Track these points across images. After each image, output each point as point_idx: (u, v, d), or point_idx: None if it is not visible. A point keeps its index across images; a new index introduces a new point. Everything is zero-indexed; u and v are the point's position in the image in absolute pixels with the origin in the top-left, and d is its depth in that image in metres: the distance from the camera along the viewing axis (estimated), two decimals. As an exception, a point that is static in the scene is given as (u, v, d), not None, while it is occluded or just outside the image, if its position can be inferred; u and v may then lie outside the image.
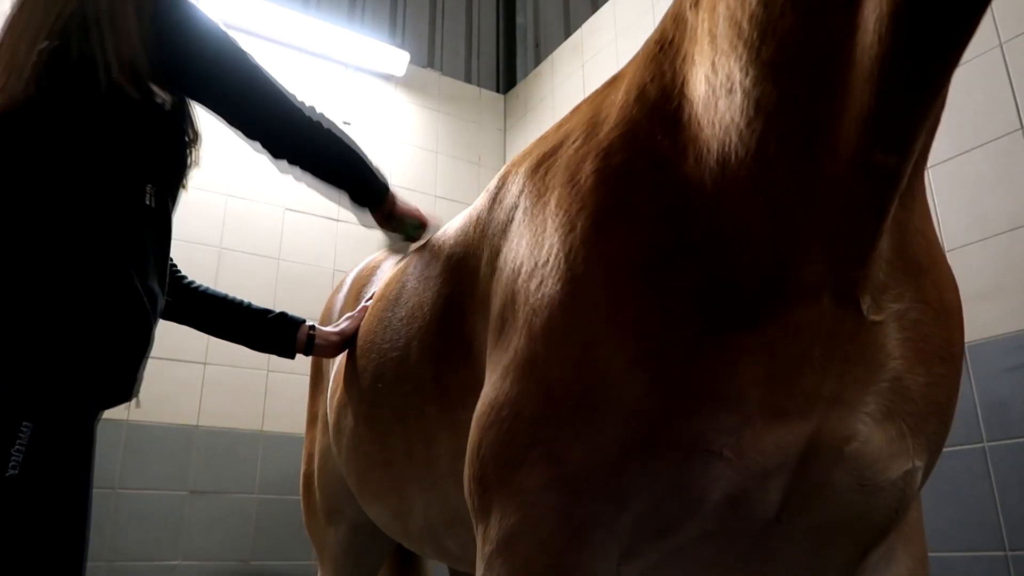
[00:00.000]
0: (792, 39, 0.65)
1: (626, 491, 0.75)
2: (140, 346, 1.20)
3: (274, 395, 3.02)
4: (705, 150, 0.73)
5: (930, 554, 1.74)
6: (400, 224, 1.53)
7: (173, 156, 1.31)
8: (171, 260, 1.43)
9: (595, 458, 0.75)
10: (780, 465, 0.75)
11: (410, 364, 1.22)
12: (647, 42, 0.88)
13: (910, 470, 0.80)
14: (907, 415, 0.78)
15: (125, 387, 1.21)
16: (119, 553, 2.52)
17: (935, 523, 1.77)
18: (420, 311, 1.21)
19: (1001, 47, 1.89)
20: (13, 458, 0.99)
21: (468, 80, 4.16)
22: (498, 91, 4.25)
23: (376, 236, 1.64)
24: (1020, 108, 1.83)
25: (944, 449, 1.76)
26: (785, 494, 0.77)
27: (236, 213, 3.17)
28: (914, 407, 0.78)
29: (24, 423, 1.01)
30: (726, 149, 0.71)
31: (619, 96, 0.87)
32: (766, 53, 0.66)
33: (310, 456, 1.87)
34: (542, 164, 0.95)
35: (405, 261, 1.45)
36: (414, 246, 1.52)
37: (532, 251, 0.87)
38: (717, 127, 0.72)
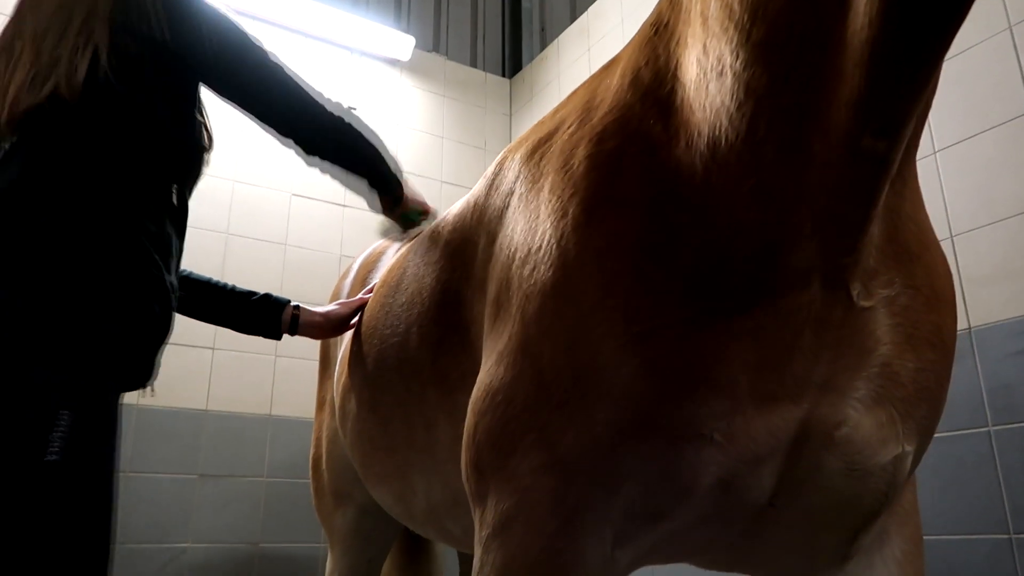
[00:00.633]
0: (783, 21, 0.64)
1: (618, 475, 0.76)
2: (162, 337, 1.24)
3: (282, 380, 3.04)
4: (696, 134, 0.73)
5: (935, 537, 1.75)
6: (405, 211, 1.55)
7: (194, 157, 1.35)
8: None
9: (587, 442, 0.76)
10: (772, 450, 0.75)
11: (410, 349, 1.23)
12: (643, 25, 0.88)
13: (900, 455, 0.80)
14: (897, 400, 0.78)
15: (145, 374, 1.25)
16: (130, 535, 2.56)
17: (940, 507, 1.77)
18: (420, 297, 1.22)
19: (1010, 29, 1.86)
20: (53, 444, 1.02)
21: (474, 65, 4.14)
22: (504, 76, 4.23)
23: (380, 221, 1.65)
24: (1029, 90, 1.81)
25: (949, 433, 1.78)
26: (778, 479, 0.77)
27: (243, 199, 3.18)
28: (904, 392, 0.78)
29: (62, 410, 1.04)
30: (716, 133, 0.71)
31: (614, 80, 0.86)
32: (756, 35, 0.66)
33: (319, 440, 1.90)
34: (537, 149, 0.95)
35: (407, 247, 1.46)
36: (414, 231, 1.53)
37: (526, 237, 0.87)
38: (708, 110, 0.71)
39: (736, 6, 0.67)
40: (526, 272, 0.84)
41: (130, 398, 1.38)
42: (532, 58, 4.08)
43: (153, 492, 2.69)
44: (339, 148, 1.42)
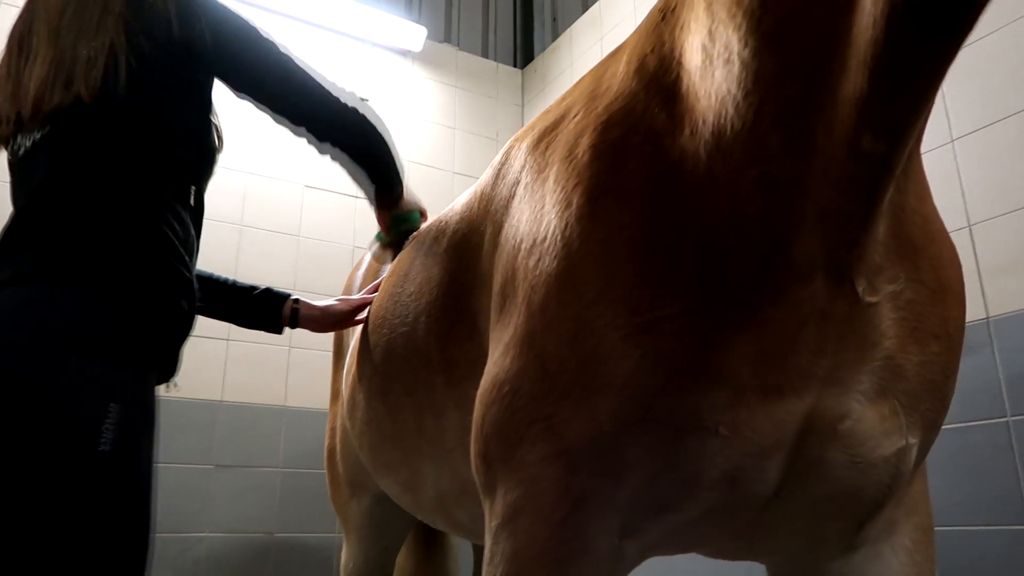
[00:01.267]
0: (793, 10, 0.63)
1: (623, 465, 0.76)
2: (187, 331, 1.28)
3: (296, 370, 3.06)
4: (700, 122, 0.72)
5: (952, 528, 1.74)
6: (400, 212, 1.56)
7: (208, 157, 1.37)
8: None
9: (592, 433, 0.75)
10: (777, 443, 0.74)
11: (418, 339, 1.23)
12: (651, 11, 0.87)
13: (903, 447, 0.79)
14: (900, 393, 0.77)
15: (171, 368, 1.30)
16: (148, 525, 2.59)
17: (958, 498, 1.76)
18: (427, 286, 1.23)
19: (1030, 13, 1.83)
20: (104, 435, 1.05)
21: (485, 55, 4.13)
22: (516, 66, 4.21)
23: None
24: (1049, 75, 1.78)
25: (967, 423, 1.76)
26: (783, 472, 0.77)
27: (256, 191, 3.20)
28: (907, 385, 0.77)
29: (111, 403, 1.07)
30: (721, 121, 0.70)
31: (620, 68, 0.86)
32: (767, 23, 0.64)
33: (333, 430, 1.91)
34: (543, 138, 0.95)
35: (417, 238, 1.46)
36: (409, 240, 1.52)
37: (531, 227, 0.87)
38: (713, 98, 0.70)
39: None
40: (531, 263, 0.83)
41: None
42: (544, 48, 4.06)
43: (169, 482, 2.72)
44: (350, 136, 1.43)
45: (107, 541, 1.06)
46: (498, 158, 1.12)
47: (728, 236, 0.71)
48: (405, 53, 3.79)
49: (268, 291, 1.63)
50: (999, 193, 1.83)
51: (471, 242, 1.11)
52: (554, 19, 4.10)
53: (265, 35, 1.34)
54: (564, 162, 0.84)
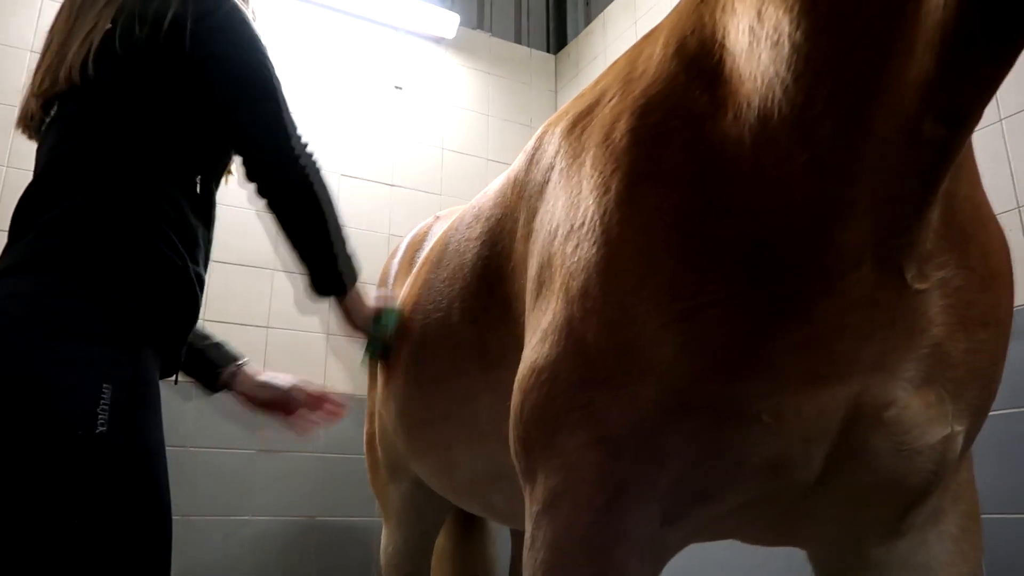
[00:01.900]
0: None
1: (665, 452, 0.75)
2: (181, 319, 1.26)
3: (335, 357, 3.10)
4: (745, 105, 0.70)
5: (999, 516, 1.69)
6: (372, 322, 1.49)
7: (216, 149, 1.34)
8: None
9: (632, 419, 0.75)
10: (822, 431, 0.73)
11: (452, 325, 1.24)
12: None
13: (949, 435, 0.77)
14: (947, 381, 0.76)
15: (173, 364, 1.29)
16: (194, 508, 2.66)
17: (1005, 484, 1.72)
18: (461, 272, 1.23)
19: (1085, -17, 1.75)
20: (100, 416, 1.05)
21: (518, 41, 4.10)
22: (549, 52, 4.18)
23: (426, 203, 1.62)
24: (1105, 49, 1.71)
25: (1010, 410, 1.70)
26: (827, 459, 0.76)
27: (293, 181, 3.23)
28: (954, 373, 0.76)
29: (104, 383, 1.07)
30: (768, 104, 0.68)
31: (656, 50, 0.84)
32: (823, 4, 0.63)
33: (372, 416, 1.93)
34: (578, 123, 0.93)
35: (450, 224, 1.46)
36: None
37: (568, 213, 0.86)
38: (759, 81, 0.69)
39: None
40: (569, 249, 0.83)
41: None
42: (577, 33, 4.02)
43: (213, 466, 2.79)
44: (282, 193, 1.32)
45: (119, 522, 1.06)
46: (531, 143, 1.12)
47: (773, 221, 0.69)
48: (439, 40, 3.79)
49: (219, 346, 1.57)
50: (1050, 173, 1.77)
51: (504, 228, 1.11)
52: (587, 3, 4.05)
53: (261, 58, 1.30)
54: (601, 147, 0.83)
